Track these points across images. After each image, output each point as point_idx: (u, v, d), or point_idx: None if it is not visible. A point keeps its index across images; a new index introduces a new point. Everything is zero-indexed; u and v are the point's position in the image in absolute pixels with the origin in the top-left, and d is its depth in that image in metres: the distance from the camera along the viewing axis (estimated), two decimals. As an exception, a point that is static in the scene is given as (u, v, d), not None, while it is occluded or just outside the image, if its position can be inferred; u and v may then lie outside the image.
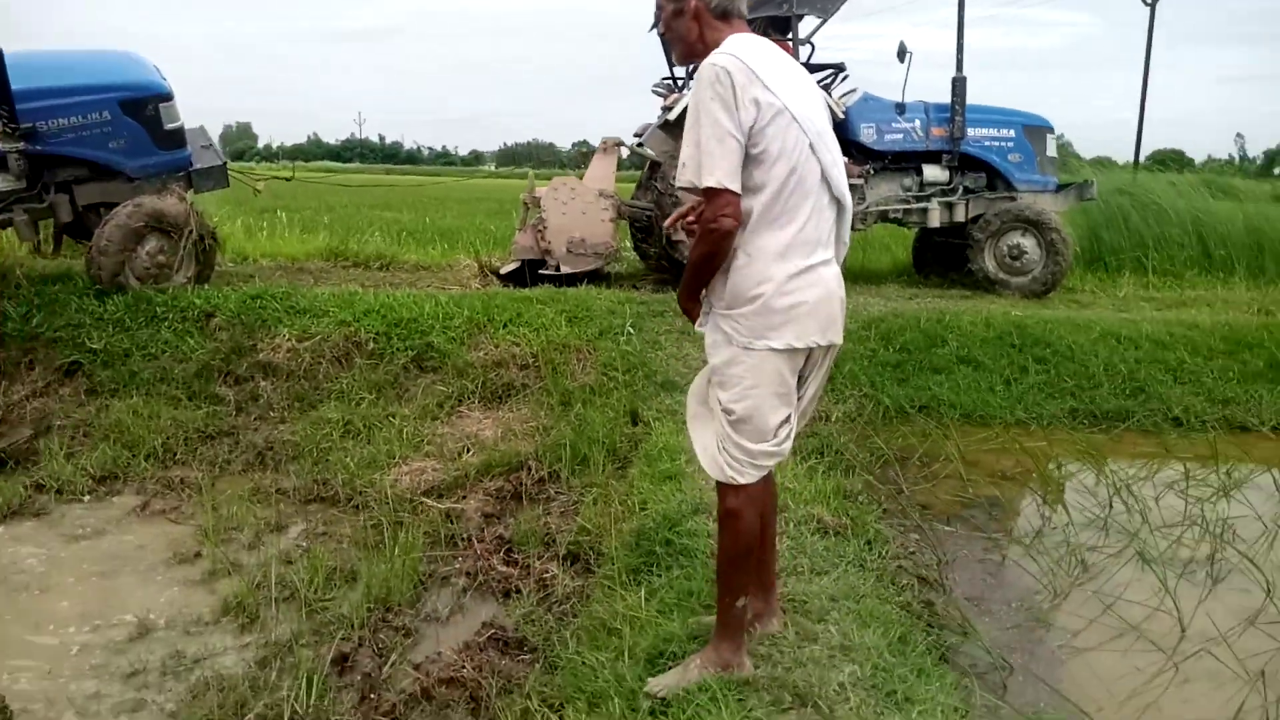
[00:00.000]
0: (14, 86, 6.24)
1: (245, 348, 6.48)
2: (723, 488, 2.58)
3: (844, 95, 8.70)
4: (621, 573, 3.49)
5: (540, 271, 7.94)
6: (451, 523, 4.65)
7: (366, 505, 4.93)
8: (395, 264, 9.66)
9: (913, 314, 7.29)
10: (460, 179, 35.67)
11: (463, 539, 4.47)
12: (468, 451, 5.55)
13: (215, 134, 7.93)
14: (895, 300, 8.24)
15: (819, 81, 8.49)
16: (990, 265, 8.71)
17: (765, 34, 8.30)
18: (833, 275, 2.57)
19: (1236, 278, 10.18)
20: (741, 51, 2.46)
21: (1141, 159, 25.45)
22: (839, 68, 8.93)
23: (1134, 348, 6.83)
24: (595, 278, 8.18)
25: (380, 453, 5.42)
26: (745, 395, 2.51)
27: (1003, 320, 7.14)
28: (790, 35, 8.42)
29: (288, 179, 8.12)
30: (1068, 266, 8.63)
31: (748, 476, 2.53)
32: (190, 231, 6.89)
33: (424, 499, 4.86)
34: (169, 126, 7.00)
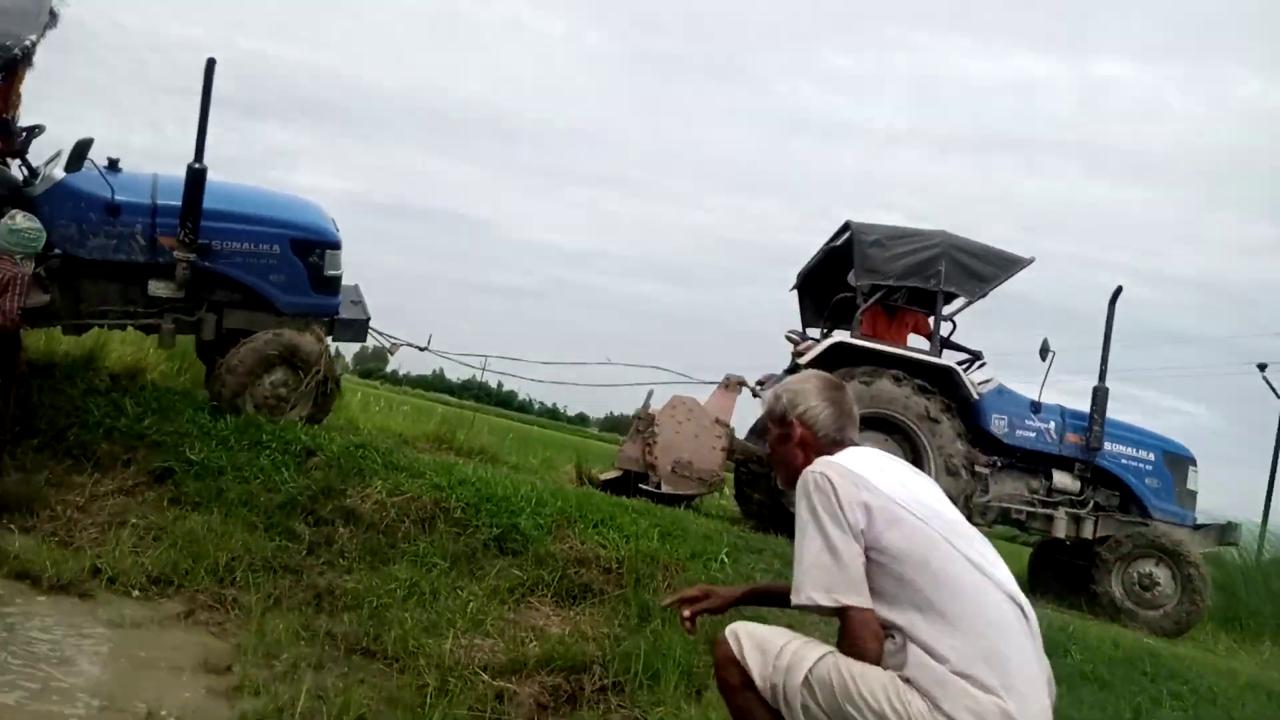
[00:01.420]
0: (204, 205, 6.66)
1: (335, 490, 6.32)
2: None
3: (981, 383, 8.54)
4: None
5: (641, 485, 7.70)
6: (501, 703, 4.19)
7: (415, 667, 4.53)
8: (498, 460, 9.59)
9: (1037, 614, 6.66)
10: (565, 433, 36.46)
11: (510, 722, 3.99)
12: (530, 641, 5.14)
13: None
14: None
15: (958, 364, 8.39)
16: (1118, 591, 8.02)
17: (908, 305, 8.32)
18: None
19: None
20: (845, 460, 2.40)
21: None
22: (977, 355, 8.84)
23: (1286, 707, 6.00)
24: (691, 502, 7.89)
25: (441, 620, 5.05)
26: None
27: (1134, 644, 6.44)
28: (934, 311, 8.44)
29: (421, 349, 8.27)
30: (1204, 609, 7.89)
31: None
32: (318, 371, 7.00)
33: (479, 672, 4.42)
34: (329, 273, 7.31)
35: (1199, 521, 8.55)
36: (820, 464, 2.39)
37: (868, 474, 2.35)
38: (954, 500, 6.99)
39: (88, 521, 5.80)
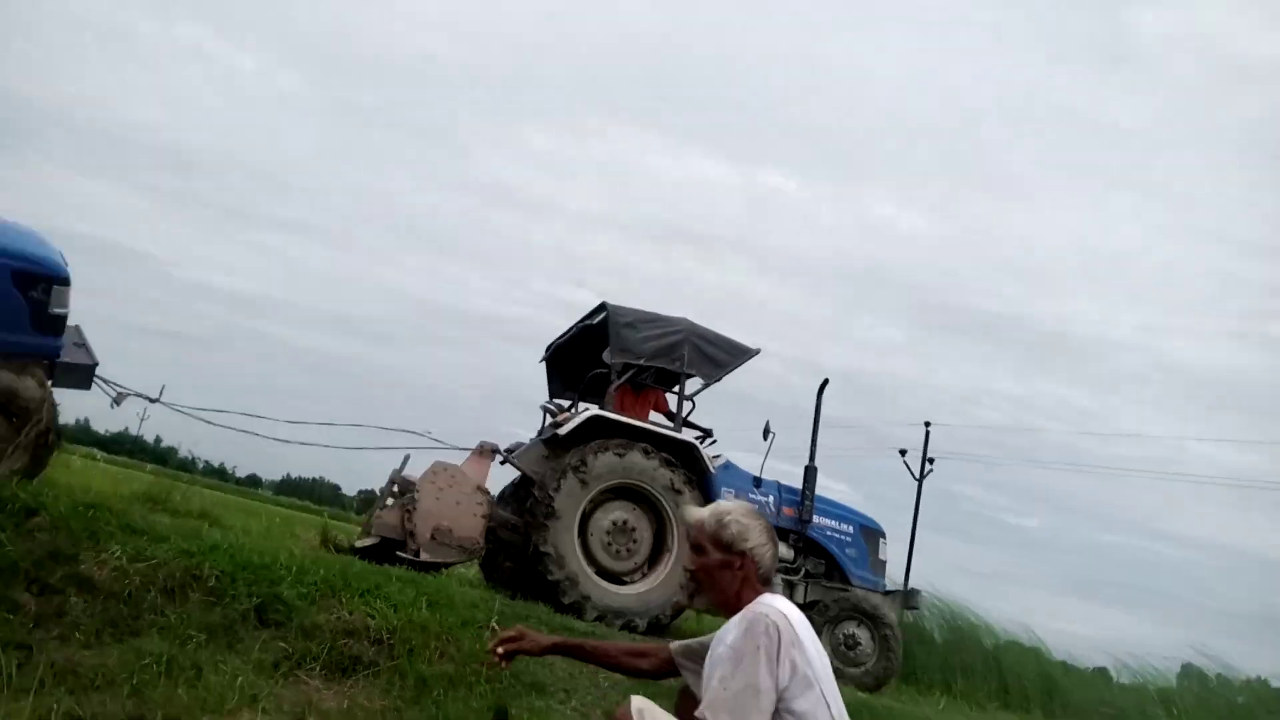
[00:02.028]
0: None
1: (65, 555, 5.66)
2: None
3: (713, 458, 9.25)
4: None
5: (399, 553, 7.53)
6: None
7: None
8: (222, 523, 8.91)
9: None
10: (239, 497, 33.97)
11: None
12: (309, 717, 4.90)
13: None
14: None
15: (696, 438, 9.02)
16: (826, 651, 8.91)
17: (653, 384, 8.88)
18: None
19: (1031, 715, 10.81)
20: (789, 612, 2.81)
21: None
22: (708, 432, 9.57)
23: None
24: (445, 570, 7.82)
25: (211, 697, 4.70)
26: None
27: (856, 701, 7.22)
28: (676, 389, 9.08)
29: (152, 400, 7.58)
30: (899, 665, 8.97)
31: None
32: (40, 421, 6.25)
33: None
34: (54, 311, 6.57)
35: (887, 588, 9.73)
36: (772, 608, 2.72)
37: (802, 634, 2.72)
38: None
39: None
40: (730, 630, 2.78)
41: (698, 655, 3.12)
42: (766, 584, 2.90)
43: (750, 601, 2.83)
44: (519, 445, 9.24)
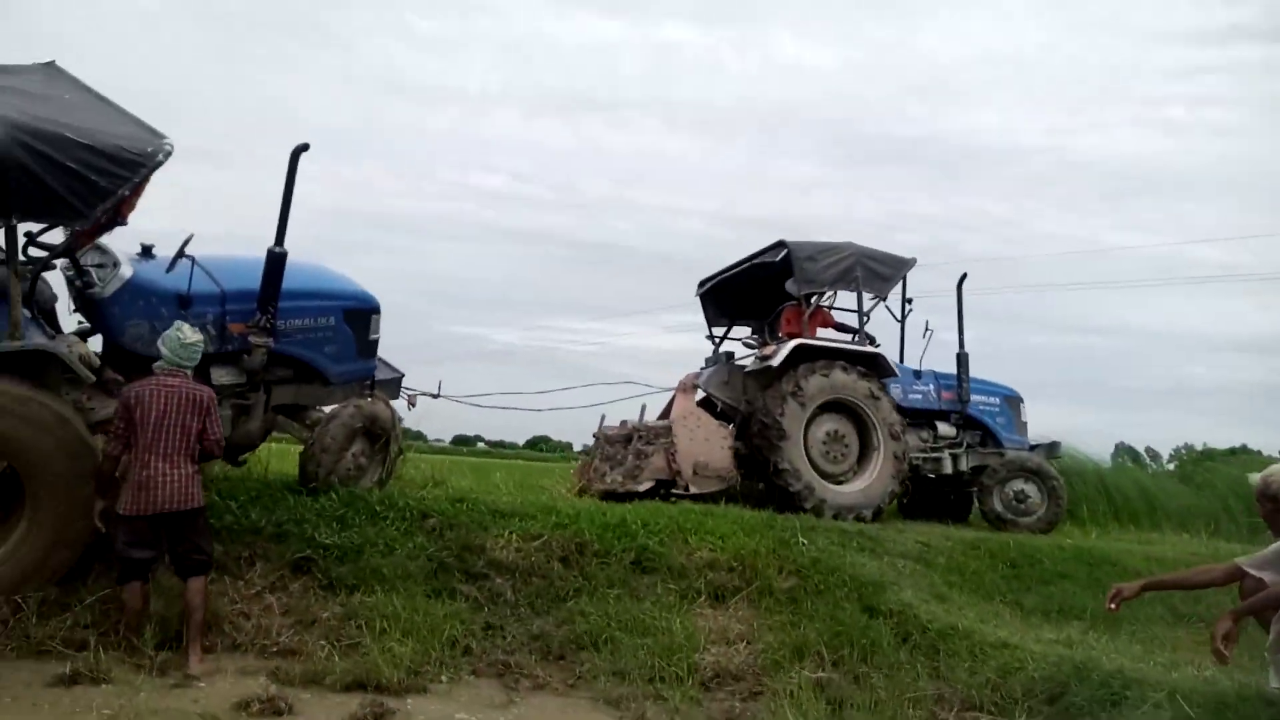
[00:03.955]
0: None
1: (473, 546, 6.71)
2: None
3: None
4: None
5: (672, 491, 8.68)
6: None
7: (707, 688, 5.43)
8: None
9: (1000, 541, 8.66)
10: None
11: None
12: (743, 641, 6.14)
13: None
14: (959, 534, 9.47)
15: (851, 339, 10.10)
16: (999, 507, 10.33)
17: (819, 306, 9.86)
18: None
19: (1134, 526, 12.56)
20: None
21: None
22: (874, 340, 10.60)
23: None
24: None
25: (676, 641, 5.87)
26: None
27: (1071, 547, 8.65)
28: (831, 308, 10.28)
29: (435, 396, 8.51)
30: (1064, 510, 10.46)
31: None
32: (395, 437, 7.20)
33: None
34: (372, 337, 7.43)
35: (1032, 443, 11.14)
36: None
37: None
38: (897, 458, 8.79)
39: (273, 625, 5.80)
40: None
41: (1269, 562, 4.43)
42: None
43: None
44: (699, 373, 10.38)
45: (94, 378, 5.67)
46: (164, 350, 5.32)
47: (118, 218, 5.58)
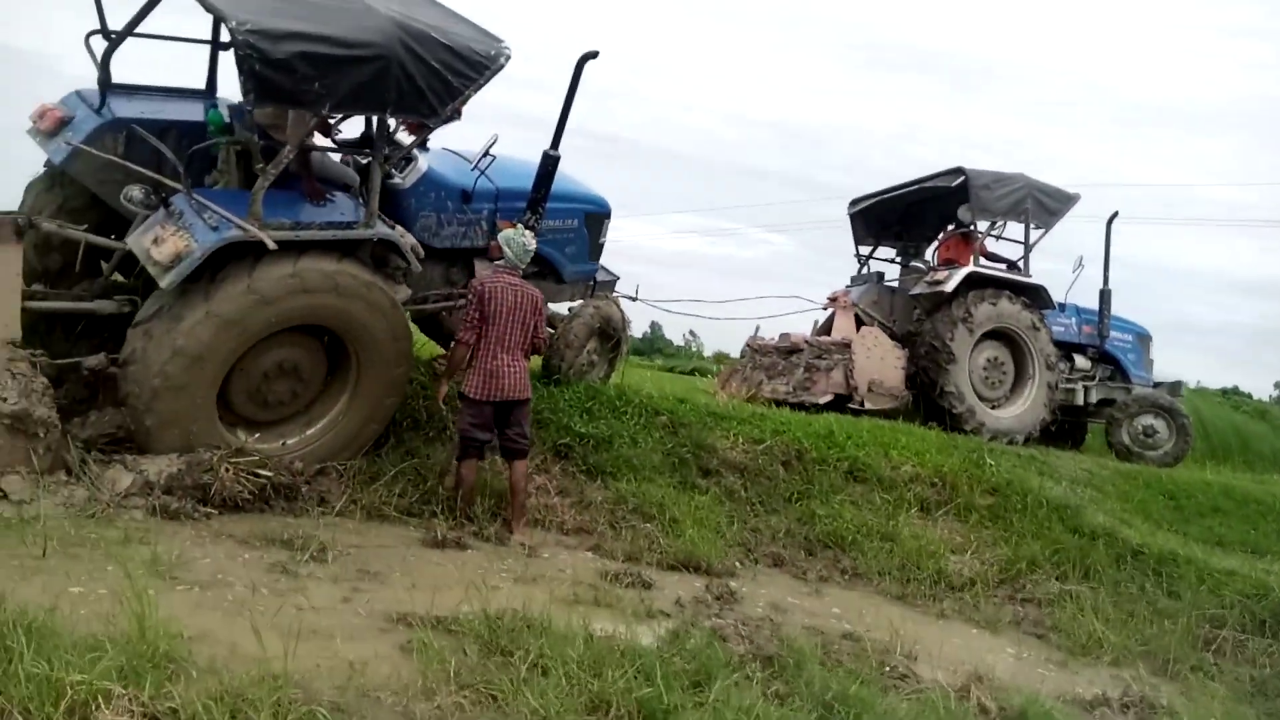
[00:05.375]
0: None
1: (705, 445, 7.19)
2: None
3: None
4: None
5: (850, 405, 9.16)
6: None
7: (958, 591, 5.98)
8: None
9: (1153, 473, 9.18)
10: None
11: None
12: (966, 552, 6.68)
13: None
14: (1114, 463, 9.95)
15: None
16: (1127, 439, 10.83)
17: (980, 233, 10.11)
18: None
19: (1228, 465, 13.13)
20: None
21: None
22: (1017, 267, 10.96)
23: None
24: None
25: (919, 546, 6.42)
26: None
27: (1218, 484, 9.18)
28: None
29: (633, 299, 8.85)
30: (1191, 445, 10.98)
31: None
32: (625, 339, 7.61)
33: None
34: (601, 240, 7.77)
35: (1155, 380, 11.58)
36: None
37: None
38: (1050, 387, 9.21)
39: (553, 504, 6.28)
40: None
41: None
42: None
43: None
44: (846, 290, 10.77)
45: (420, 268, 6.02)
46: (507, 251, 5.67)
47: (456, 115, 5.83)
